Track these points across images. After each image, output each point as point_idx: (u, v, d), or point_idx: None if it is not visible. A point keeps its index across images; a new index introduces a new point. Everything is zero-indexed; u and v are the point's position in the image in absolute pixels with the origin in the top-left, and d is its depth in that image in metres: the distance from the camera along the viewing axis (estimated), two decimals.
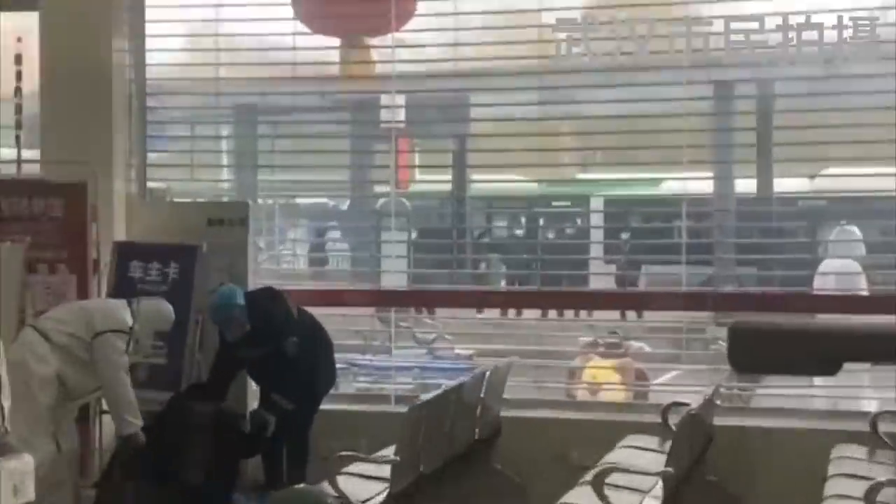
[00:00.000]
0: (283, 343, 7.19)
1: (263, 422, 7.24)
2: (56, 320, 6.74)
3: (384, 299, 8.76)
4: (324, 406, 7.71)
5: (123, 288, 7.76)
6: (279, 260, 9.66)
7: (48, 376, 6.52)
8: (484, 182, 9.20)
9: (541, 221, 9.15)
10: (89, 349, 6.69)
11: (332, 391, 8.07)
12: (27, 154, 8.46)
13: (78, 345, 6.70)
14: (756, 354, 2.34)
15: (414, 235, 9.35)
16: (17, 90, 8.30)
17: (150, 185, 8.78)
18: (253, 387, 7.67)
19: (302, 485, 5.63)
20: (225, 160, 9.71)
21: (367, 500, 5.85)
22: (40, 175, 8.19)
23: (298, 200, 10.71)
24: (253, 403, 7.60)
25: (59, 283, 7.75)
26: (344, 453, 6.17)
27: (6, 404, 5.30)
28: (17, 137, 8.38)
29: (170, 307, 7.14)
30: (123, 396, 6.76)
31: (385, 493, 6.07)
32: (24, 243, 7.56)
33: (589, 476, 6.05)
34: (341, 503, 5.67)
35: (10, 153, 8.52)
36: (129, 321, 6.81)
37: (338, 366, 8.32)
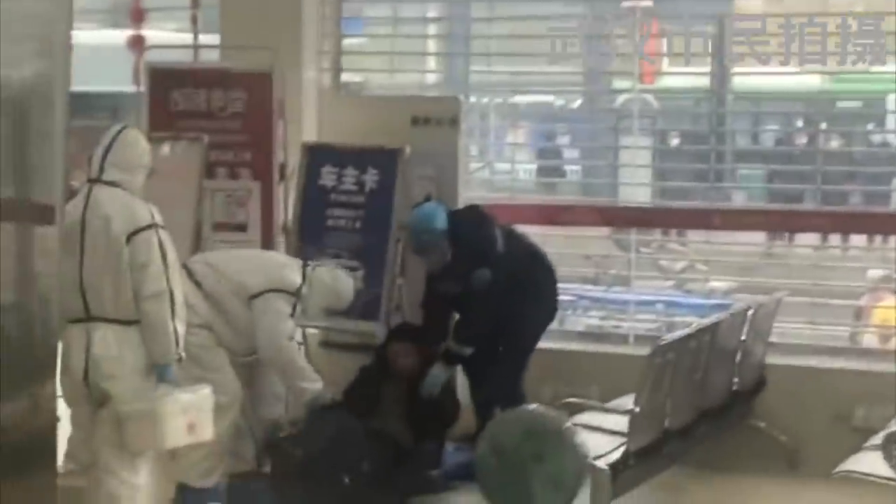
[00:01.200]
0: (473, 276, 7.27)
1: (433, 381, 7.37)
2: (212, 268, 6.89)
3: (622, 218, 8.75)
4: (548, 345, 7.82)
5: (314, 197, 8.02)
6: (495, 168, 9.76)
7: (195, 324, 6.64)
8: (750, 74, 9.00)
9: (823, 125, 8.92)
10: (247, 309, 6.86)
11: (557, 327, 8.16)
12: (204, 39, 8.74)
13: (233, 302, 6.87)
14: None
15: (662, 141, 9.26)
16: None
17: (344, 76, 8.96)
18: None
19: (534, 405, 5.75)
20: (432, 47, 9.82)
21: (600, 456, 5.92)
22: (219, 63, 8.48)
23: (519, 97, 10.74)
24: None
25: (241, 190, 8.06)
26: (572, 399, 6.24)
27: (181, 329, 5.60)
28: (194, 18, 8.67)
29: (349, 282, 7.24)
30: (291, 366, 6.92)
31: (621, 450, 6.13)
32: (202, 142, 7.87)
33: (877, 439, 5.96)
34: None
35: (185, 38, 8.82)
36: (298, 281, 6.94)
37: (565, 298, 8.38)
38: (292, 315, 6.88)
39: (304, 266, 7.08)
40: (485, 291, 7.28)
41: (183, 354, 5.70)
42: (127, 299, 5.59)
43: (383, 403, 7.32)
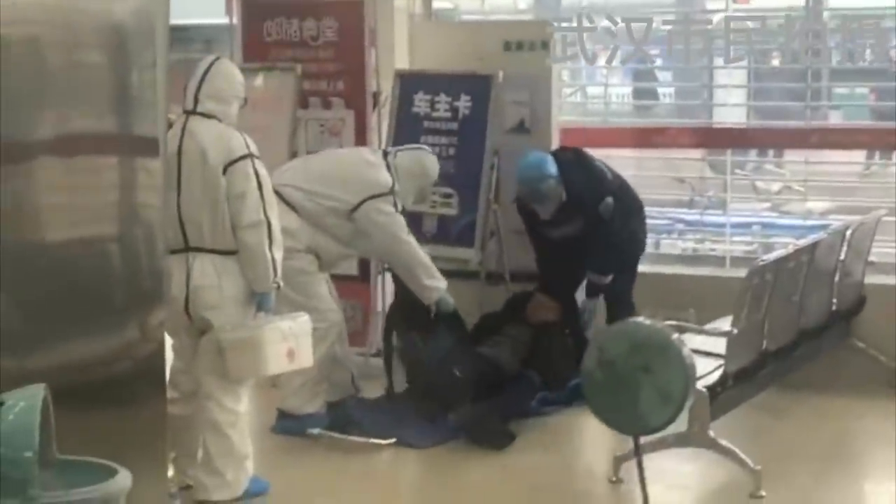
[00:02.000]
0: (601, 208, 7.35)
1: (590, 314, 7.50)
2: (303, 191, 6.89)
3: (717, 139, 8.67)
4: (645, 269, 7.81)
5: (407, 125, 8.03)
6: (587, 92, 9.70)
7: (297, 250, 6.77)
8: None
9: None
10: (348, 221, 6.90)
11: (654, 251, 8.15)
12: None
13: (331, 219, 6.90)
14: None
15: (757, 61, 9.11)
16: None
17: (435, 3, 8.92)
18: None
19: (640, 318, 5.77)
20: None
21: (698, 378, 5.90)
22: None
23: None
24: None
25: (335, 119, 8.09)
26: (669, 322, 6.22)
27: (278, 257, 5.65)
28: None
29: (431, 158, 7.28)
30: (413, 260, 6.98)
31: (719, 372, 6.13)
32: (296, 72, 7.90)
33: None
34: None
35: None
36: (390, 180, 6.95)
37: (661, 222, 8.35)
38: (397, 210, 6.91)
39: (385, 157, 7.11)
40: (612, 219, 7.36)
41: (281, 283, 5.75)
42: (225, 229, 5.65)
43: (503, 339, 7.43)
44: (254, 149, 5.70)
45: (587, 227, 7.37)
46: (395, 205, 6.91)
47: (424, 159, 7.26)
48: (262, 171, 5.71)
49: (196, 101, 5.77)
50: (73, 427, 3.79)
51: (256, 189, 5.65)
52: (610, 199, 7.36)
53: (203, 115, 5.75)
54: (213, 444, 5.73)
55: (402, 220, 6.93)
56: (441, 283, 7.02)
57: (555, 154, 7.61)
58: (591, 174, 7.46)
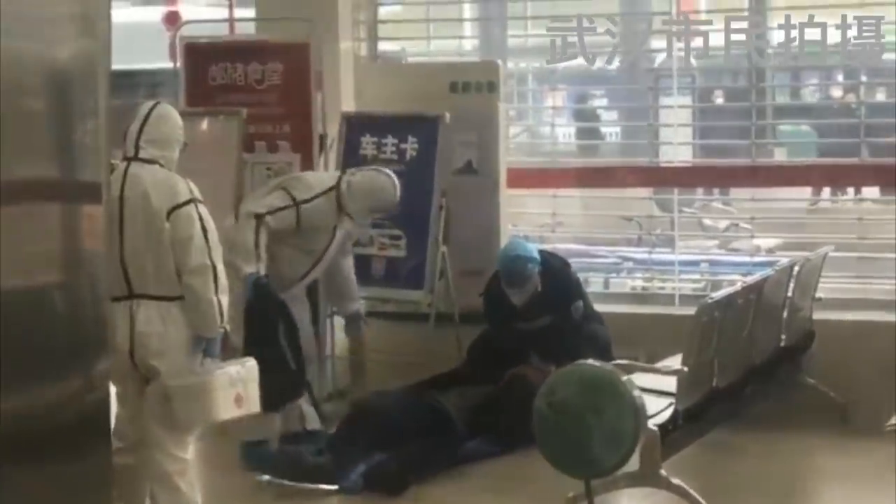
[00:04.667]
0: (570, 308, 7.47)
1: None
2: (273, 210, 6.98)
3: (664, 178, 8.71)
4: (595, 307, 7.80)
5: (355, 167, 7.98)
6: (535, 132, 9.73)
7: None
8: (789, 28, 8.91)
9: (863, 77, 8.79)
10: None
11: (603, 290, 8.17)
12: (240, 13, 8.75)
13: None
14: None
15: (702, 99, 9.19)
16: None
17: (381, 45, 8.94)
18: None
19: (589, 360, 5.78)
20: (468, 13, 9.78)
21: (648, 417, 5.90)
22: (256, 36, 8.48)
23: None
24: None
25: (281, 162, 8.05)
26: (620, 362, 6.22)
27: (224, 302, 5.60)
28: None
29: (387, 180, 7.28)
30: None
31: (670, 410, 6.12)
32: (241, 116, 7.87)
33: None
34: None
35: (220, 13, 8.83)
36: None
37: (610, 260, 8.36)
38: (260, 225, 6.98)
39: (342, 175, 7.23)
40: (579, 321, 7.50)
41: (228, 327, 5.71)
42: (169, 275, 5.61)
43: (466, 394, 7.44)
44: (197, 193, 5.66)
45: (555, 323, 7.45)
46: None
47: (377, 178, 7.28)
48: (206, 216, 5.67)
49: (137, 147, 5.73)
50: (15, 481, 3.72)
51: (201, 233, 5.60)
52: (581, 303, 7.51)
53: (144, 160, 5.71)
54: (161, 495, 5.66)
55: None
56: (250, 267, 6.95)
57: (540, 251, 7.69)
58: (569, 275, 7.61)
